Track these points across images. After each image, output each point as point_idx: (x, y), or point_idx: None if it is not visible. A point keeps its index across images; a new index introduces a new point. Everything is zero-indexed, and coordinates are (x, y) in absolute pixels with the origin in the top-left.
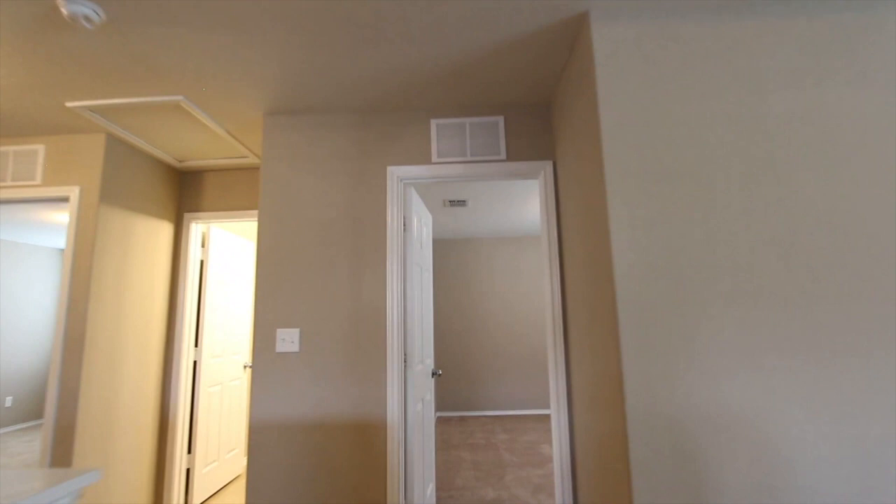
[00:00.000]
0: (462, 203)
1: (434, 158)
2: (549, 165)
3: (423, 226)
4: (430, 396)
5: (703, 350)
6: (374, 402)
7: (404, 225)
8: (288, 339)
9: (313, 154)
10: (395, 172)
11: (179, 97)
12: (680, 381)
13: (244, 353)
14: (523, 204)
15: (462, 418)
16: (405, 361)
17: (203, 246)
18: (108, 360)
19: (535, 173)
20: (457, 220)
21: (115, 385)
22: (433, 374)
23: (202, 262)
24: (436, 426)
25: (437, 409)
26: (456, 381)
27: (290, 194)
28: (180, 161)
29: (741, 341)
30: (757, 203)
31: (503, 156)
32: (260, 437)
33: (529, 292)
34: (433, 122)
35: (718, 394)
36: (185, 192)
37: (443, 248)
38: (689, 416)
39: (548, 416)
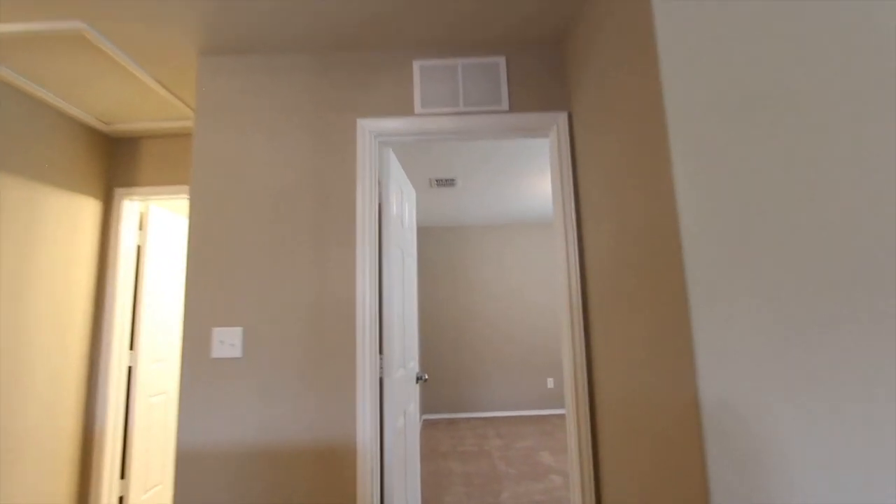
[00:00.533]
0: (450, 183)
1: (417, 109)
2: (562, 118)
3: (405, 201)
4: (414, 406)
5: (817, 360)
6: (341, 420)
7: (380, 196)
8: (227, 341)
9: (262, 106)
10: (367, 127)
11: (80, 24)
12: (785, 405)
13: None
14: (518, 183)
15: (451, 421)
16: (381, 367)
17: (140, 229)
18: (2, 373)
19: (544, 128)
20: (444, 204)
21: (15, 404)
22: (418, 378)
23: (139, 247)
24: (422, 431)
25: (424, 411)
26: (444, 381)
27: (231, 157)
28: (107, 123)
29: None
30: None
31: (505, 106)
32: (189, 469)
33: (525, 283)
34: (416, 65)
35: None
36: (117, 164)
37: (429, 236)
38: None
39: (543, 418)
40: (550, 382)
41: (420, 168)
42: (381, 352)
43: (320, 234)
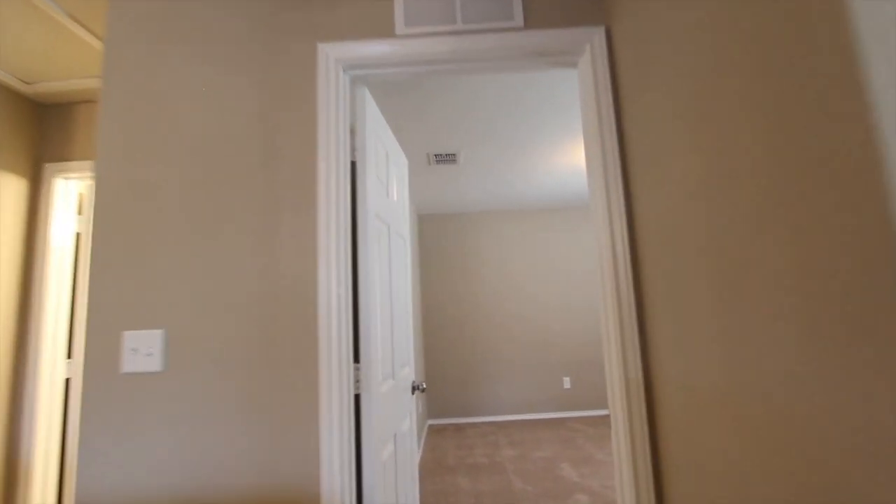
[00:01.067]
0: (451, 158)
1: (400, 28)
2: (598, 35)
3: (391, 165)
4: (409, 424)
5: None
6: (299, 456)
7: (353, 150)
8: (143, 349)
9: (191, 29)
10: (330, 54)
11: None
12: None
13: None
14: (530, 157)
15: (458, 427)
16: (357, 380)
17: (80, 213)
18: None
19: (573, 50)
20: (446, 186)
21: None
22: (414, 389)
23: (78, 235)
24: (426, 438)
25: (429, 415)
26: (450, 383)
27: (151, 96)
28: (28, 83)
29: None
30: None
31: (518, 21)
32: None
33: (538, 275)
34: None
35: None
36: (46, 134)
37: (430, 224)
38: None
39: (560, 422)
40: (567, 382)
41: (416, 141)
42: (356, 359)
43: (269, 199)
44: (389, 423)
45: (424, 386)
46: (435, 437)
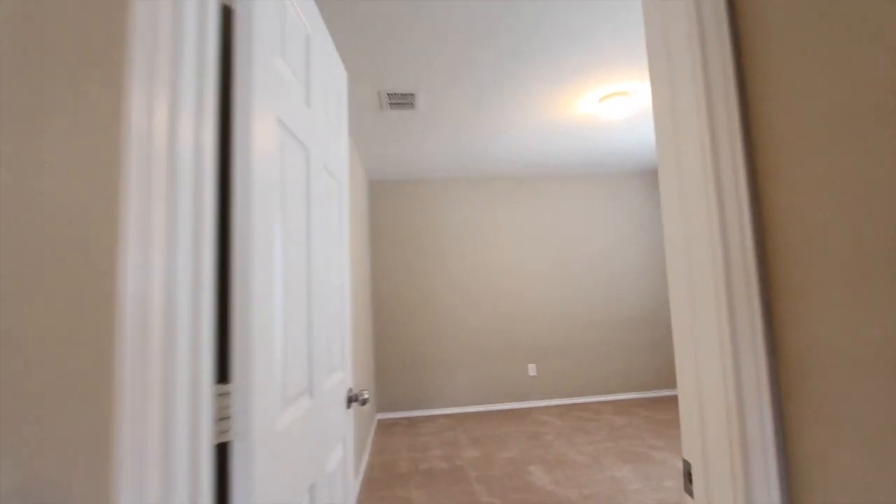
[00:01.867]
0: (408, 102)
1: None
2: None
3: (313, 56)
4: (339, 458)
5: None
6: None
7: None
8: None
9: None
10: None
11: None
12: None
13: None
14: (508, 105)
15: (411, 422)
16: (225, 415)
17: None
18: None
19: None
20: (401, 141)
21: None
22: (352, 401)
23: None
24: (373, 438)
25: (377, 410)
26: (402, 372)
27: None
28: None
29: None
30: None
31: None
32: None
33: (505, 252)
34: None
35: None
36: None
37: (382, 192)
38: None
39: (524, 413)
40: (532, 369)
41: (364, 72)
42: (225, 378)
43: (25, 68)
44: (299, 473)
45: (366, 396)
46: (384, 436)
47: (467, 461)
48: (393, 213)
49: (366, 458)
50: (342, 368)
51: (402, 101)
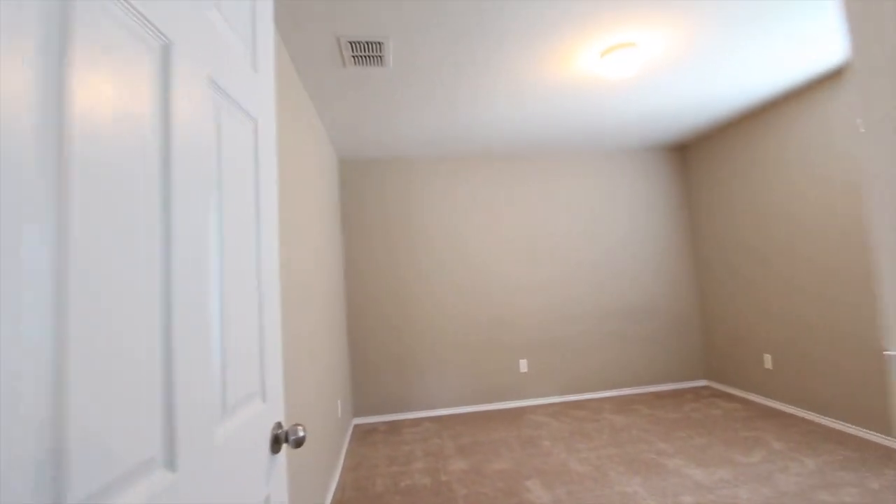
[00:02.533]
0: (376, 54)
1: None
2: None
3: None
4: None
5: None
6: None
7: None
8: None
9: None
10: None
11: None
12: None
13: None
14: (496, 59)
15: (392, 426)
16: None
17: None
18: None
19: None
20: (371, 107)
21: None
22: (279, 442)
23: None
24: (347, 448)
25: (354, 414)
26: (382, 372)
27: None
28: None
29: None
30: None
31: None
32: None
33: (491, 241)
34: None
35: None
36: None
37: (358, 171)
38: None
39: (517, 413)
40: (524, 365)
41: (320, 17)
42: None
43: None
44: None
45: (302, 434)
46: (360, 446)
47: (454, 475)
48: (369, 196)
49: (336, 475)
50: (263, 396)
51: (367, 53)
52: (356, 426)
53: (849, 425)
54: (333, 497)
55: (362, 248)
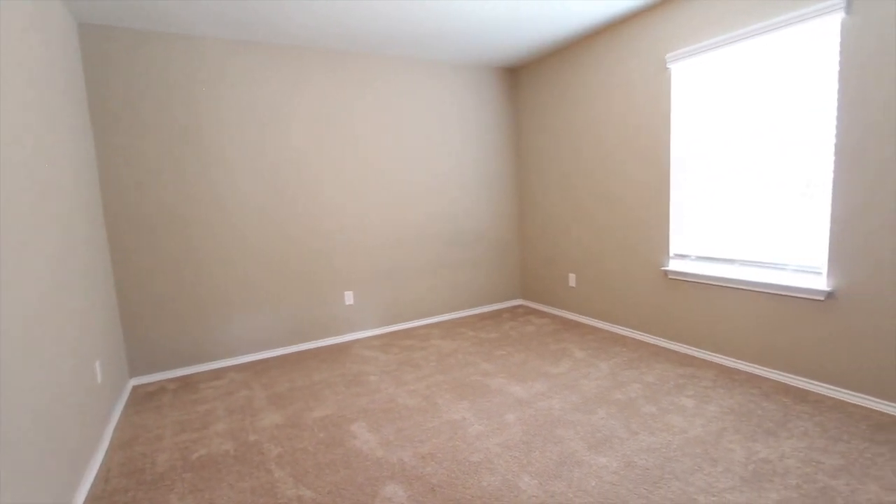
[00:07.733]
0: None
1: None
2: None
3: None
4: None
5: None
6: None
7: None
8: None
9: None
10: None
11: None
12: None
13: None
14: None
15: (186, 382)
16: None
17: None
18: None
19: None
20: None
21: None
22: None
23: None
24: (123, 414)
25: (132, 373)
26: (169, 316)
27: None
28: None
29: None
30: None
31: None
32: None
33: (310, 152)
34: None
35: None
36: None
37: (118, 47)
38: None
39: (341, 349)
40: (350, 297)
41: None
42: None
43: None
44: None
45: None
46: (139, 414)
47: (266, 433)
48: (138, 81)
49: (97, 460)
50: None
51: None
52: (135, 388)
53: (633, 331)
54: (90, 490)
55: (128, 151)
